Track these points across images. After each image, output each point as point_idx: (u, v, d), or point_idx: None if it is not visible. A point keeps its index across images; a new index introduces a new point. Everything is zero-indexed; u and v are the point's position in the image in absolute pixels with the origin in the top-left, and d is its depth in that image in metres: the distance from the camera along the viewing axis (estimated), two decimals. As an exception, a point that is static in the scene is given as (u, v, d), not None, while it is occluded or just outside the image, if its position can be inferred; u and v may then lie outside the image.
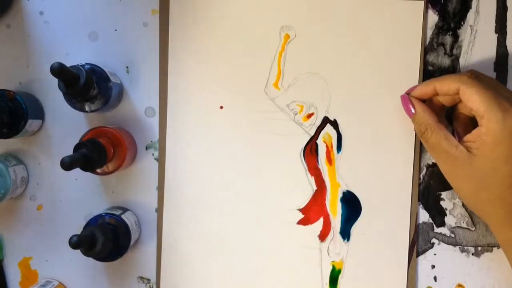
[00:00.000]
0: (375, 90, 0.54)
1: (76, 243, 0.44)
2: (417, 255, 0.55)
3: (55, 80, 0.45)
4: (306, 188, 0.55)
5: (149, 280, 0.55)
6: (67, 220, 0.54)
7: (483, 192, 0.47)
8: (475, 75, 0.47)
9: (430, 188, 0.55)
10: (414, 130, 0.51)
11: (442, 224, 0.55)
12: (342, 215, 0.55)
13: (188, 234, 0.54)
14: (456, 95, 0.48)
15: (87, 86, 0.46)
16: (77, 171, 0.45)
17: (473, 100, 0.46)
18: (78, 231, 0.50)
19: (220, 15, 0.54)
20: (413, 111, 0.50)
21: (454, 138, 0.48)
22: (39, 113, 0.53)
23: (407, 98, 0.51)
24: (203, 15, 0.54)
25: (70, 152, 0.46)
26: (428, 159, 0.55)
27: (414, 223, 0.55)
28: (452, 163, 0.48)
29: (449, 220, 0.55)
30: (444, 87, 0.49)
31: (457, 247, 0.55)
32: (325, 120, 0.55)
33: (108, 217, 0.50)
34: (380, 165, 0.54)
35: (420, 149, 0.54)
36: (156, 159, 0.55)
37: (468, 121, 0.51)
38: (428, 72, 0.55)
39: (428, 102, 0.52)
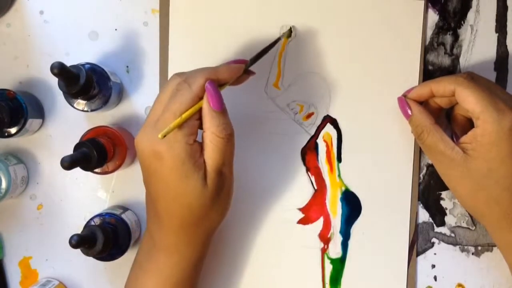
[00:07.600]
0: (375, 90, 0.54)
1: (76, 242, 0.44)
2: (417, 255, 0.55)
3: (55, 80, 0.45)
4: (306, 188, 0.55)
5: (149, 279, 0.55)
6: (67, 220, 0.54)
7: (479, 194, 0.47)
8: (471, 77, 0.47)
9: (430, 188, 0.55)
10: (411, 132, 0.51)
11: (442, 223, 0.55)
12: (342, 214, 0.55)
13: (188, 234, 0.54)
14: (453, 97, 0.48)
15: (87, 85, 0.46)
16: (77, 170, 0.45)
17: (469, 101, 0.46)
18: (78, 231, 0.50)
19: (220, 15, 0.54)
20: (409, 112, 0.50)
21: (452, 139, 0.48)
22: (39, 112, 0.53)
23: (404, 100, 0.51)
24: (203, 14, 0.54)
25: (70, 151, 0.46)
26: (428, 158, 0.55)
27: (414, 223, 0.55)
28: (448, 164, 0.48)
29: (449, 219, 0.55)
30: (440, 89, 0.48)
31: (457, 246, 0.55)
32: (325, 120, 0.55)
33: (108, 217, 0.50)
34: (380, 165, 0.54)
35: (420, 148, 0.54)
36: (156, 159, 0.55)
37: (465, 122, 0.51)
38: (428, 72, 0.55)
39: (425, 104, 0.51)
